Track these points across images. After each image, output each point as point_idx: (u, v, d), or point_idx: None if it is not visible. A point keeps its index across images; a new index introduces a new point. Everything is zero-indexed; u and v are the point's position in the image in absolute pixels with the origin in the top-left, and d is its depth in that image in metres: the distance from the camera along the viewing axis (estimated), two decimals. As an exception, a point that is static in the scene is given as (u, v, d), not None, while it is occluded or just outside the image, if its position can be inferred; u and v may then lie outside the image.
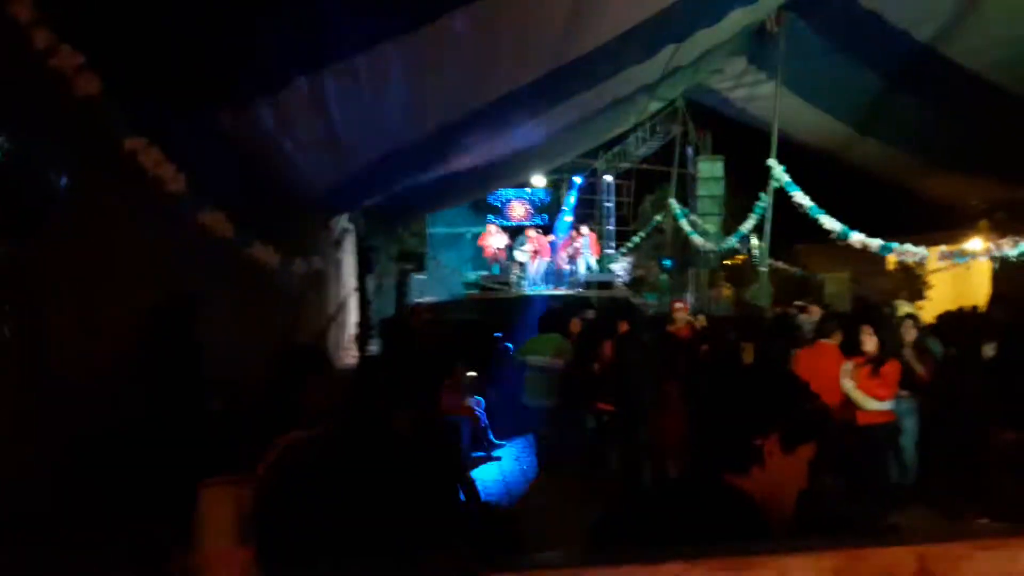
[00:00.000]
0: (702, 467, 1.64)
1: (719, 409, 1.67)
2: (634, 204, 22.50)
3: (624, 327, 7.55)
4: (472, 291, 17.02)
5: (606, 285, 16.68)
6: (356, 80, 5.56)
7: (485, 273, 17.68)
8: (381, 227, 12.89)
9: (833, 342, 6.48)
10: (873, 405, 6.08)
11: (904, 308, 8.50)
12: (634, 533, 1.58)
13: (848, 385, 6.13)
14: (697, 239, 16.16)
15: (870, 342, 6.20)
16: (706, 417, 1.69)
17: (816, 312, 8.74)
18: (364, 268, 10.03)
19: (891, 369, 6.09)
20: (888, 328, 6.76)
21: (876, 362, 6.13)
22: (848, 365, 6.21)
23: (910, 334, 7.13)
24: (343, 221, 10.57)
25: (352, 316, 11.99)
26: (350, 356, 12.45)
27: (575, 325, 8.76)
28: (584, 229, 18.30)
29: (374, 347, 10.88)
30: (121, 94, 3.80)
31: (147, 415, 3.96)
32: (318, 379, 3.65)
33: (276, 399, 3.38)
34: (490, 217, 21.17)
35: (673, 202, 17.52)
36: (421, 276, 16.47)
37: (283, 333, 7.35)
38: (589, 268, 17.71)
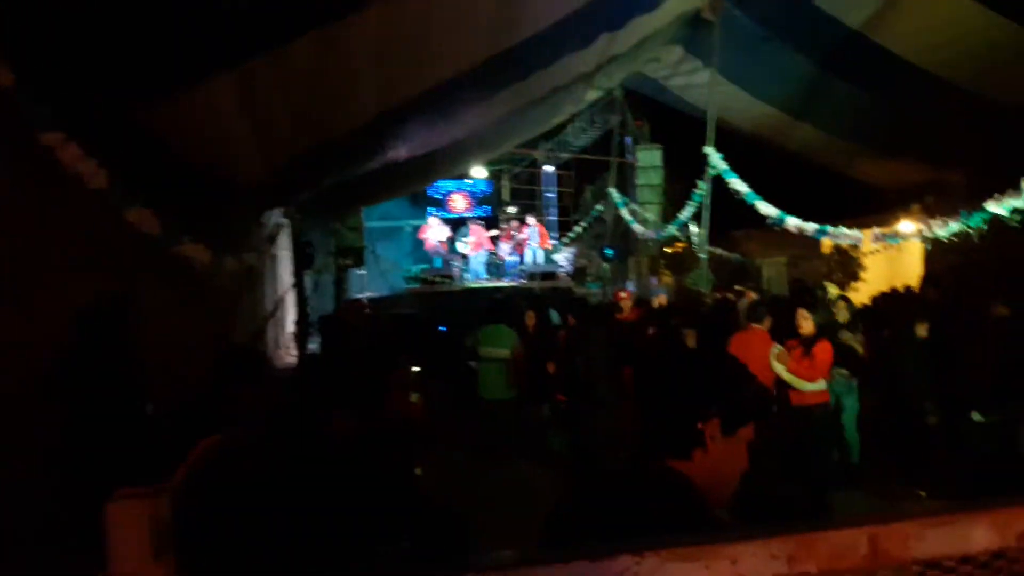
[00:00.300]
0: (645, 454, 1.63)
1: (661, 395, 1.66)
2: (575, 194, 22.56)
3: (570, 320, 7.51)
4: (414, 285, 16.80)
5: (549, 276, 16.65)
6: (283, 70, 5.34)
7: (427, 267, 17.47)
8: (317, 221, 12.59)
9: (763, 326, 6.51)
10: (806, 387, 6.14)
11: (834, 291, 8.67)
12: (584, 524, 1.51)
13: (779, 368, 6.19)
14: (637, 228, 16.25)
15: (806, 324, 6.26)
16: (649, 403, 1.68)
17: (753, 297, 8.89)
18: (301, 264, 9.74)
19: (823, 350, 6.15)
20: (823, 310, 6.85)
21: (808, 344, 6.19)
22: (777, 348, 6.26)
23: (843, 315, 7.24)
24: (276, 216, 10.26)
25: (290, 314, 11.69)
26: (289, 355, 12.14)
27: (530, 318, 8.70)
28: (531, 220, 18.22)
29: (313, 345, 10.61)
30: (37, 87, 3.56)
31: (74, 423, 3.73)
32: (253, 380, 3.50)
33: (211, 401, 3.24)
34: (430, 210, 20.93)
35: (613, 191, 17.58)
36: (360, 271, 16.14)
37: (217, 333, 7.09)
38: (536, 259, 17.66)
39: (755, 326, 6.54)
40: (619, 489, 1.60)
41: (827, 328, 6.46)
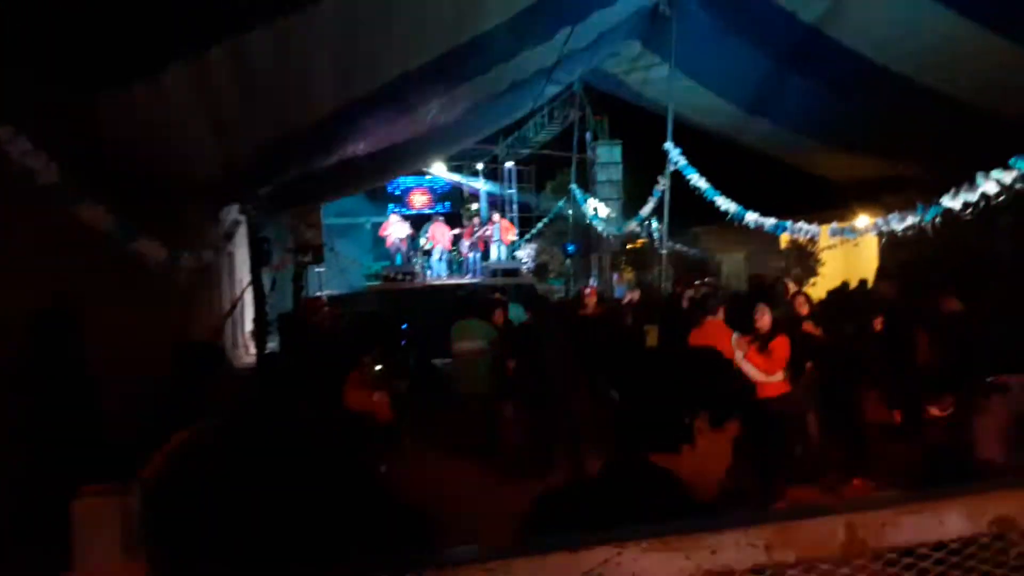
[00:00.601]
0: (627, 449, 1.60)
1: (647, 390, 1.64)
2: (536, 190, 22.60)
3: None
4: (374, 283, 16.65)
5: (512, 272, 16.63)
6: (240, 62, 5.23)
7: (387, 264, 17.33)
8: (275, 218, 12.39)
9: (718, 318, 6.57)
10: (762, 379, 6.23)
11: (791, 287, 8.83)
12: (567, 521, 1.53)
13: (738, 356, 6.27)
14: (598, 224, 16.31)
15: (763, 320, 6.34)
16: (632, 398, 1.66)
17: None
18: (258, 261, 9.56)
19: (780, 345, 6.23)
20: (781, 305, 6.94)
21: (765, 339, 6.27)
22: (737, 336, 6.33)
23: (803, 309, 7.35)
24: (233, 212, 10.07)
25: (248, 312, 11.49)
26: (247, 354, 11.94)
27: (499, 315, 8.70)
28: (496, 216, 18.19)
29: (272, 344, 10.44)
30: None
31: (29, 424, 3.62)
32: (212, 378, 3.45)
33: (169, 400, 3.18)
34: (391, 206, 20.78)
35: (574, 187, 17.63)
36: (319, 268, 15.93)
37: (174, 332, 6.94)
38: (500, 256, 17.63)
39: (710, 318, 6.59)
40: (602, 486, 1.61)
41: (786, 322, 6.54)
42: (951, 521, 1.08)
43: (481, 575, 0.92)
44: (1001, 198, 4.81)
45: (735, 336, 6.33)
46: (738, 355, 6.23)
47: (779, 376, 6.25)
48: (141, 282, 5.77)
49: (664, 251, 10.87)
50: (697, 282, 11.30)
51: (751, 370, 6.19)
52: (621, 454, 1.62)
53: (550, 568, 0.94)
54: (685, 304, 8.70)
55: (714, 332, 6.44)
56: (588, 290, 9.73)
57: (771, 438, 6.41)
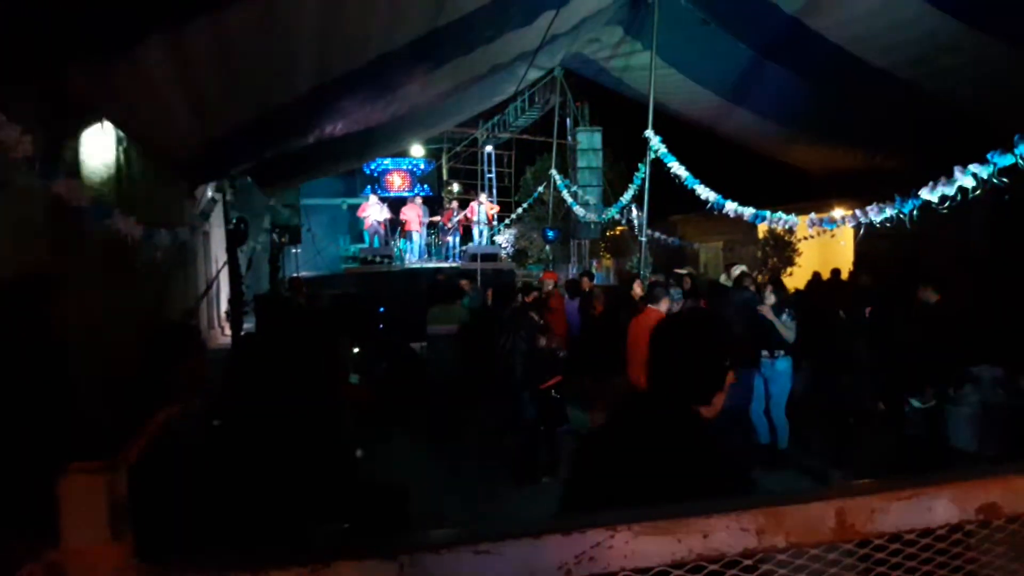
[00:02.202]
0: (672, 399, 1.85)
1: (695, 349, 1.92)
2: (515, 175, 22.54)
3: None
4: (351, 265, 16.53)
5: (491, 257, 16.58)
6: (220, 38, 5.12)
7: (365, 246, 17.20)
8: (252, 198, 12.24)
9: (659, 307, 6.58)
10: None
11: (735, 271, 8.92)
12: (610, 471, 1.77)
13: None
14: (578, 210, 16.31)
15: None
16: (682, 357, 1.91)
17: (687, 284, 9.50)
18: (234, 241, 9.43)
19: None
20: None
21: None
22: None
23: (770, 299, 7.38)
24: (210, 190, 9.93)
25: (224, 292, 11.37)
26: (223, 334, 11.83)
27: (489, 296, 8.86)
28: (483, 197, 18.10)
29: (248, 324, 10.34)
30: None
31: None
32: (188, 358, 3.40)
33: (144, 379, 3.13)
34: (369, 188, 20.60)
35: (554, 173, 17.60)
36: (296, 249, 15.79)
37: (149, 311, 6.84)
38: (482, 240, 17.58)
39: (651, 307, 6.62)
40: (647, 435, 1.82)
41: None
42: (939, 508, 1.09)
43: (473, 557, 0.91)
44: (978, 192, 4.86)
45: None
46: None
47: None
48: (115, 260, 5.67)
49: (643, 239, 10.87)
50: (677, 270, 11.35)
51: None
52: (663, 404, 1.87)
53: (542, 550, 0.94)
54: (637, 293, 8.88)
55: (653, 321, 6.51)
56: (548, 275, 10.24)
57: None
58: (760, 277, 8.81)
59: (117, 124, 5.88)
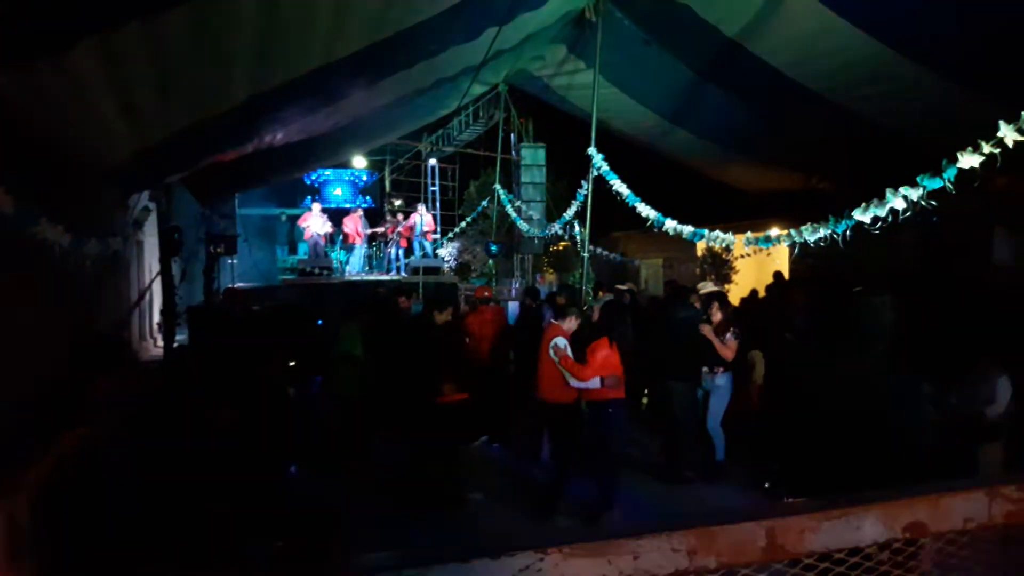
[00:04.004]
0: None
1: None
2: (459, 189, 22.51)
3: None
4: (289, 276, 16.22)
5: (433, 271, 16.48)
6: (155, 42, 4.97)
7: (304, 257, 16.91)
8: (187, 207, 11.94)
9: (564, 325, 6.72)
10: (572, 382, 6.42)
11: (704, 289, 9.16)
12: None
13: (554, 357, 6.48)
14: (522, 225, 16.36)
15: (570, 323, 6.71)
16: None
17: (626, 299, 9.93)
18: (168, 251, 9.17)
19: (597, 348, 6.41)
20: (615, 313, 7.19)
21: (584, 343, 6.51)
22: (559, 340, 6.51)
23: (716, 315, 7.54)
24: (143, 199, 9.64)
25: (156, 303, 11.04)
26: (155, 346, 11.46)
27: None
28: (421, 208, 17.97)
29: (181, 336, 10.04)
30: None
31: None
32: (114, 370, 3.27)
33: (65, 394, 2.99)
34: (310, 199, 20.31)
35: (499, 187, 17.63)
36: (232, 260, 15.42)
37: (77, 322, 6.57)
38: (426, 252, 17.44)
39: (555, 323, 6.83)
40: None
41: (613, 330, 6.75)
42: (868, 527, 1.11)
43: (398, 584, 0.88)
44: (908, 213, 5.03)
45: (558, 339, 6.55)
46: (555, 357, 6.48)
47: (593, 383, 6.37)
48: (41, 270, 5.43)
49: (586, 254, 10.95)
50: (618, 286, 11.49)
51: (565, 371, 6.45)
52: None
53: (469, 575, 0.92)
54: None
55: (549, 336, 6.69)
56: (485, 290, 10.26)
57: (600, 440, 6.62)
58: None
59: (43, 129, 5.64)
